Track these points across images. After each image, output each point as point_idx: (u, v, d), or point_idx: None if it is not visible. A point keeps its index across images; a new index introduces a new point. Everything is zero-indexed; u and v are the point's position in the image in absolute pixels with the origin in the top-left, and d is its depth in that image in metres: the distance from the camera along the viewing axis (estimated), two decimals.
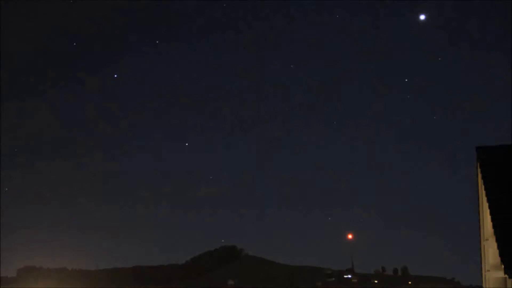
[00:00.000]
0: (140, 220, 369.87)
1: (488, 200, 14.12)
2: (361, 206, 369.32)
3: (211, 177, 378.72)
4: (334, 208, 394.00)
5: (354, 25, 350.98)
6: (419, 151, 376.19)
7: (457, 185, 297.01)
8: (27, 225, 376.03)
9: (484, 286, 18.58)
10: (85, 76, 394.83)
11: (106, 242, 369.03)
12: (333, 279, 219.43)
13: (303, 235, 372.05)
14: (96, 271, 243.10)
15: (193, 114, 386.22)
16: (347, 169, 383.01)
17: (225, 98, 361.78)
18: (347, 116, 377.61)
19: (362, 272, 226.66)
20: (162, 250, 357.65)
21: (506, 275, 12.55)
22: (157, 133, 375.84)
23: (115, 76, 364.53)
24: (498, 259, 12.70)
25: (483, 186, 14.99)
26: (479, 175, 15.66)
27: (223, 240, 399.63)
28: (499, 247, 12.82)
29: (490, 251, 16.39)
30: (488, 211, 14.30)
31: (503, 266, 12.42)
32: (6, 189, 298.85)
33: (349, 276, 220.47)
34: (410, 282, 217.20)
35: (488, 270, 17.07)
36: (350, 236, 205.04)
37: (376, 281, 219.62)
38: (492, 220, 13.62)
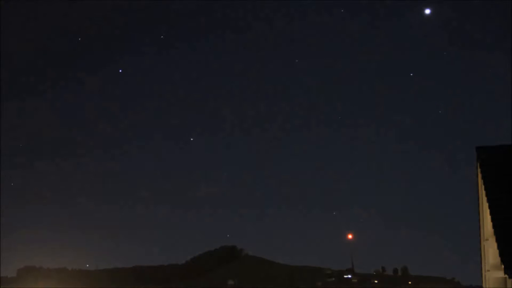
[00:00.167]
0: (140, 220, 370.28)
1: (488, 200, 14.12)
2: (361, 206, 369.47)
3: (211, 177, 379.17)
4: (334, 208, 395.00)
5: (354, 25, 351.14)
6: (419, 151, 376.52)
7: (457, 185, 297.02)
8: (27, 225, 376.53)
9: (484, 286, 18.57)
10: (85, 76, 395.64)
11: (106, 242, 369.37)
12: (333, 279, 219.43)
13: (303, 235, 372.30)
14: (96, 271, 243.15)
15: (193, 114, 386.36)
16: (347, 169, 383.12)
17: (225, 98, 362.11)
18: (347, 116, 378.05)
19: (362, 272, 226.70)
20: (162, 250, 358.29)
21: (506, 275, 12.55)
22: (157, 133, 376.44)
23: (120, 71, 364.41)
24: (498, 259, 12.70)
25: (483, 186, 14.99)
26: (479, 175, 15.66)
27: (228, 236, 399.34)
28: (499, 247, 12.82)
29: (490, 251, 16.39)
30: (488, 211, 14.30)
31: (503, 266, 12.42)
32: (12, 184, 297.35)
33: (349, 276, 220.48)
34: (410, 282, 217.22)
35: (488, 270, 17.07)
36: (350, 236, 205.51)
37: (376, 281, 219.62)
38: (492, 220, 13.62)
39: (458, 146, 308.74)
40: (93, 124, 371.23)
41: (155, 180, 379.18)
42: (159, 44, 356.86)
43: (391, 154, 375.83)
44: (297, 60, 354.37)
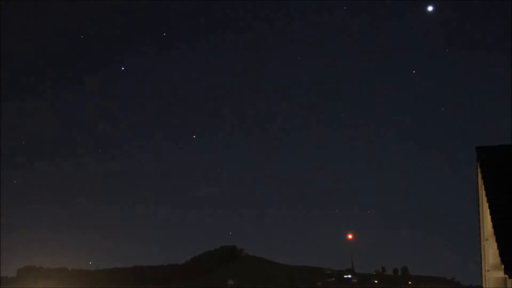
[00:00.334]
0: (140, 220, 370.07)
1: (488, 200, 14.13)
2: (361, 206, 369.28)
3: (211, 177, 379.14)
4: (334, 208, 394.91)
5: (354, 25, 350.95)
6: (419, 151, 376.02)
7: (457, 185, 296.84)
8: (27, 225, 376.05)
9: (484, 286, 18.58)
10: (85, 76, 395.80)
11: (106, 242, 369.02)
12: (333, 279, 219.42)
13: (303, 235, 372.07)
14: (96, 271, 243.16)
15: (193, 114, 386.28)
16: (347, 169, 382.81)
17: (225, 98, 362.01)
18: (347, 116, 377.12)
19: (362, 272, 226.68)
20: (162, 250, 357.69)
21: (506, 275, 12.56)
22: (157, 133, 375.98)
23: (122, 68, 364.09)
24: (498, 259, 12.70)
25: (483, 186, 15.00)
26: (479, 175, 15.67)
27: (230, 234, 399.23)
28: (499, 247, 12.82)
29: (490, 251, 16.39)
30: (488, 211, 14.30)
31: (503, 266, 12.42)
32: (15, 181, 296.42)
33: (349, 276, 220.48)
34: (410, 282, 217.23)
35: (488, 270, 17.07)
36: (350, 236, 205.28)
37: (376, 281, 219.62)
38: (492, 220, 13.62)
39: (458, 146, 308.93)
40: (93, 124, 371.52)
41: (155, 180, 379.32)
42: (159, 44, 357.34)
43: (391, 154, 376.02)
44: (297, 60, 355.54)
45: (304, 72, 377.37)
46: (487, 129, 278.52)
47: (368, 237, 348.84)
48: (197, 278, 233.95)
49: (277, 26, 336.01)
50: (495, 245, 13.24)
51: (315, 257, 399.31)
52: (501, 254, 12.59)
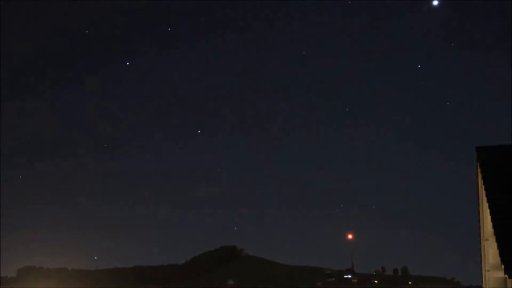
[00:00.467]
0: (140, 220, 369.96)
1: (488, 200, 14.12)
2: (361, 206, 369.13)
3: (211, 177, 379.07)
4: (334, 208, 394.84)
5: (354, 25, 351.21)
6: (419, 151, 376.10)
7: (457, 185, 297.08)
8: (27, 225, 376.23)
9: (484, 286, 18.57)
10: (85, 76, 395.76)
11: (106, 242, 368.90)
12: (333, 279, 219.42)
13: (303, 235, 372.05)
14: (96, 271, 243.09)
15: (193, 114, 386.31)
16: (347, 169, 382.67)
17: (225, 98, 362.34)
18: (347, 116, 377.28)
19: (362, 272, 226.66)
20: (162, 250, 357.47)
21: (506, 275, 12.55)
22: (157, 133, 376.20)
23: (127, 63, 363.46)
24: (498, 259, 12.70)
25: (483, 186, 15.00)
26: (479, 175, 15.66)
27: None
28: (499, 247, 12.82)
29: (490, 251, 16.39)
30: (488, 211, 14.30)
31: (503, 266, 12.42)
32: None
33: (349, 276, 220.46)
34: (410, 282, 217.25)
35: (488, 270, 17.07)
36: (350, 236, 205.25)
37: (376, 281, 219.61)
38: (492, 220, 13.62)
39: (458, 146, 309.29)
40: (93, 124, 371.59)
41: (155, 180, 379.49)
42: (159, 44, 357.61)
43: (391, 154, 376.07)
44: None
45: (304, 72, 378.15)
46: (487, 129, 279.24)
47: (368, 237, 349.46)
48: (197, 278, 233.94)
49: (277, 26, 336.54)
50: (495, 245, 13.24)
51: (315, 257, 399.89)
52: (501, 254, 12.58)
